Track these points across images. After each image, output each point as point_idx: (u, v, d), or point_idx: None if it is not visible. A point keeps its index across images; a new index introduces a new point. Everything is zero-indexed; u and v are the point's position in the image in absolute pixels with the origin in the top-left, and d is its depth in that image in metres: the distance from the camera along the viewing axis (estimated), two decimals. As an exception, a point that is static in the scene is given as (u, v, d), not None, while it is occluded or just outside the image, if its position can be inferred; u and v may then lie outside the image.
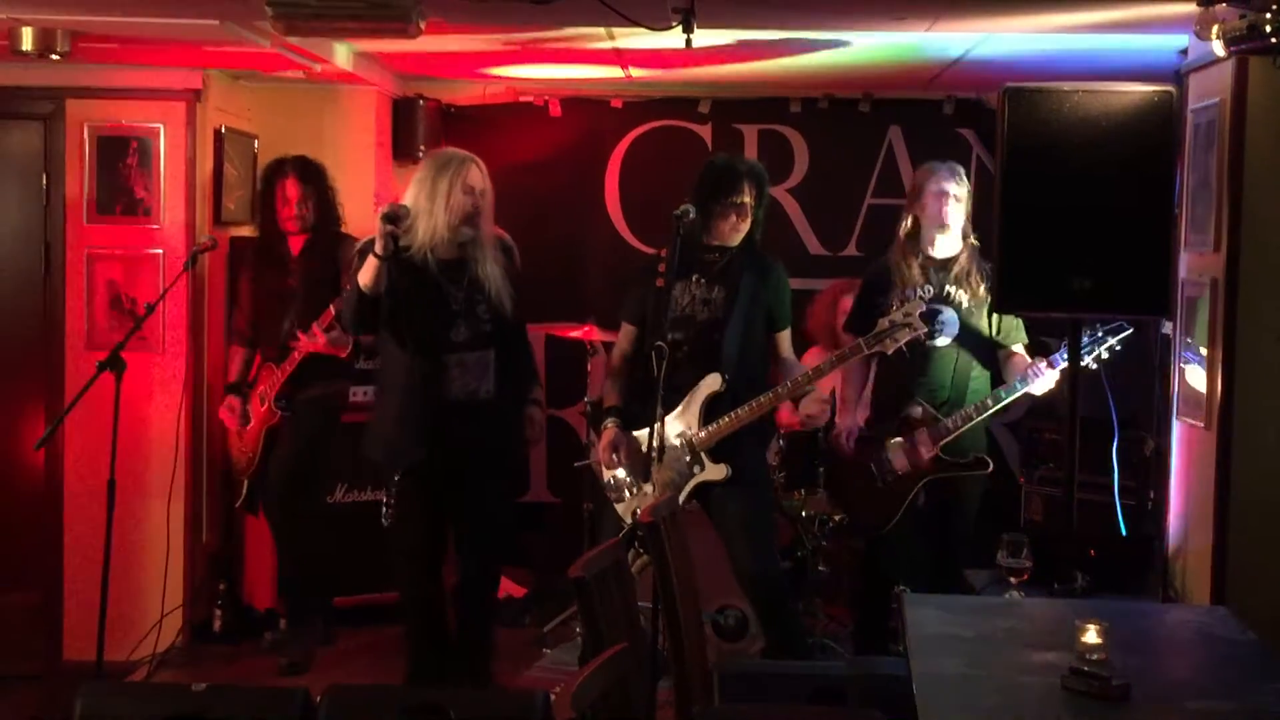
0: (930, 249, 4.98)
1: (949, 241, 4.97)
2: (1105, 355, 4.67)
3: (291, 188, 5.74)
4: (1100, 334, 4.66)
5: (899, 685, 3.26)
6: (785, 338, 4.91)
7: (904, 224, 5.08)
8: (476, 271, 4.79)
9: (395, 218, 4.57)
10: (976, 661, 3.10)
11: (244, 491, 5.91)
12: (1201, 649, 3.39)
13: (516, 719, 3.56)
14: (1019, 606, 3.77)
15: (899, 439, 5.00)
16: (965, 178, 5.05)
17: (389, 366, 4.87)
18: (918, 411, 4.94)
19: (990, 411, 4.86)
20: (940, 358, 4.94)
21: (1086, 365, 4.65)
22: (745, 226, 4.76)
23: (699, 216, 4.66)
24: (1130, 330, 4.65)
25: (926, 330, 4.74)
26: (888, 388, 5.12)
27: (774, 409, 4.97)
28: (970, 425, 4.87)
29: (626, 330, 4.98)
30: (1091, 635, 2.89)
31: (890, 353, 4.70)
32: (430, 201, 4.70)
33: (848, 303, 6.05)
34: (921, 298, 4.82)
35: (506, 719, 3.60)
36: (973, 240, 5.01)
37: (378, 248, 4.58)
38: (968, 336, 4.94)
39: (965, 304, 4.96)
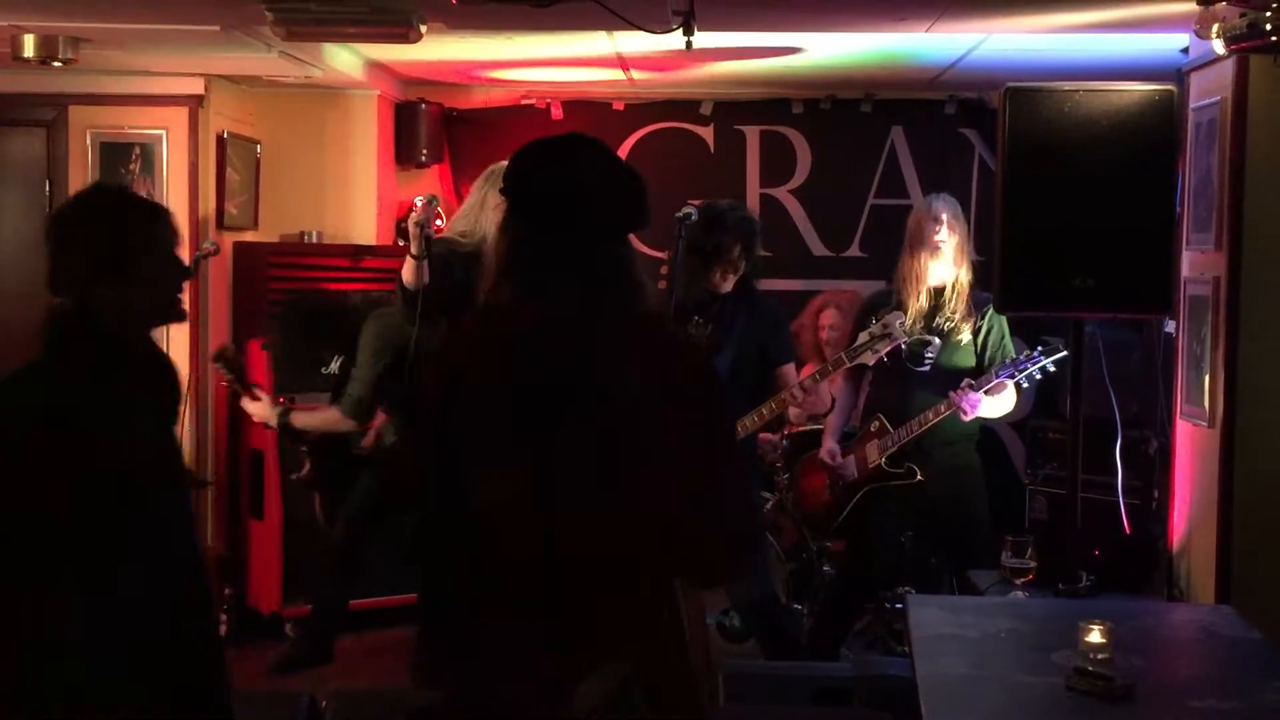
0: (928, 277, 4.98)
1: (942, 269, 4.96)
2: (1038, 376, 4.75)
3: None
4: (1038, 355, 4.73)
5: (903, 686, 3.26)
6: (788, 371, 4.92)
7: (904, 253, 5.08)
8: None
9: (423, 221, 4.73)
10: (981, 662, 3.10)
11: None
12: (1206, 648, 3.39)
13: None
14: (1023, 606, 3.77)
15: (852, 452, 5.09)
16: (960, 212, 5.05)
17: None
18: (874, 425, 5.01)
19: (927, 426, 4.88)
20: (925, 382, 4.96)
21: (1019, 382, 4.76)
22: (735, 275, 4.79)
23: (697, 262, 4.69)
24: (1064, 353, 4.69)
25: (906, 339, 4.79)
26: (874, 408, 5.15)
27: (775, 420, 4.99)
28: (913, 437, 4.91)
29: None
30: (1096, 635, 2.89)
31: (872, 364, 4.75)
32: (480, 211, 4.85)
33: (828, 317, 6.10)
34: (905, 330, 4.82)
35: None
36: (964, 275, 4.99)
37: (412, 248, 4.73)
38: (946, 364, 4.95)
39: (949, 332, 4.97)
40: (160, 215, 2.86)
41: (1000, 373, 4.77)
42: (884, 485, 5.00)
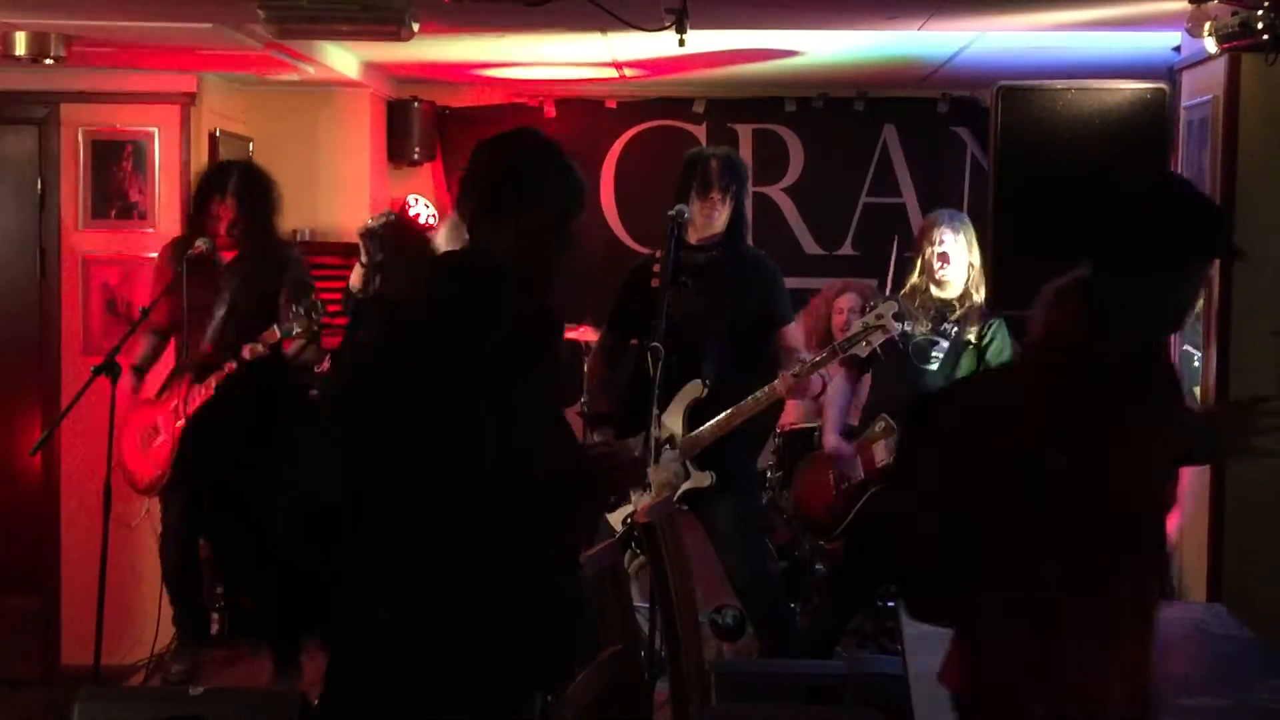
0: (934, 290, 4.99)
1: (951, 284, 4.96)
2: None
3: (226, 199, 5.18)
4: None
5: (895, 684, 3.26)
6: (790, 332, 4.84)
7: (914, 266, 5.08)
8: None
9: (372, 230, 4.96)
10: (973, 660, 3.09)
11: (143, 511, 5.42)
12: (1198, 646, 3.39)
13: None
14: (1016, 605, 3.77)
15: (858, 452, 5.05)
16: (967, 227, 5.00)
17: None
18: (880, 425, 4.98)
19: None
20: (927, 384, 4.95)
21: None
22: (723, 211, 4.67)
23: (683, 199, 4.65)
24: None
25: (899, 331, 4.76)
26: (879, 407, 5.13)
27: (769, 409, 4.95)
28: None
29: (604, 335, 4.99)
30: (1087, 633, 2.88)
31: (865, 355, 4.72)
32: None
33: (844, 302, 6.07)
34: (894, 305, 4.81)
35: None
36: (977, 293, 4.98)
37: (362, 256, 4.93)
38: (950, 369, 4.96)
39: (956, 336, 4.97)
40: (572, 184, 2.87)
41: None
42: (890, 486, 4.96)
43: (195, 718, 3.54)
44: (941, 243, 4.90)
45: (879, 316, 4.67)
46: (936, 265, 4.89)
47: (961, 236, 4.90)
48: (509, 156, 2.83)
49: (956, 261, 4.89)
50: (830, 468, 5.17)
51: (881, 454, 4.96)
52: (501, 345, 2.61)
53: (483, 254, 2.75)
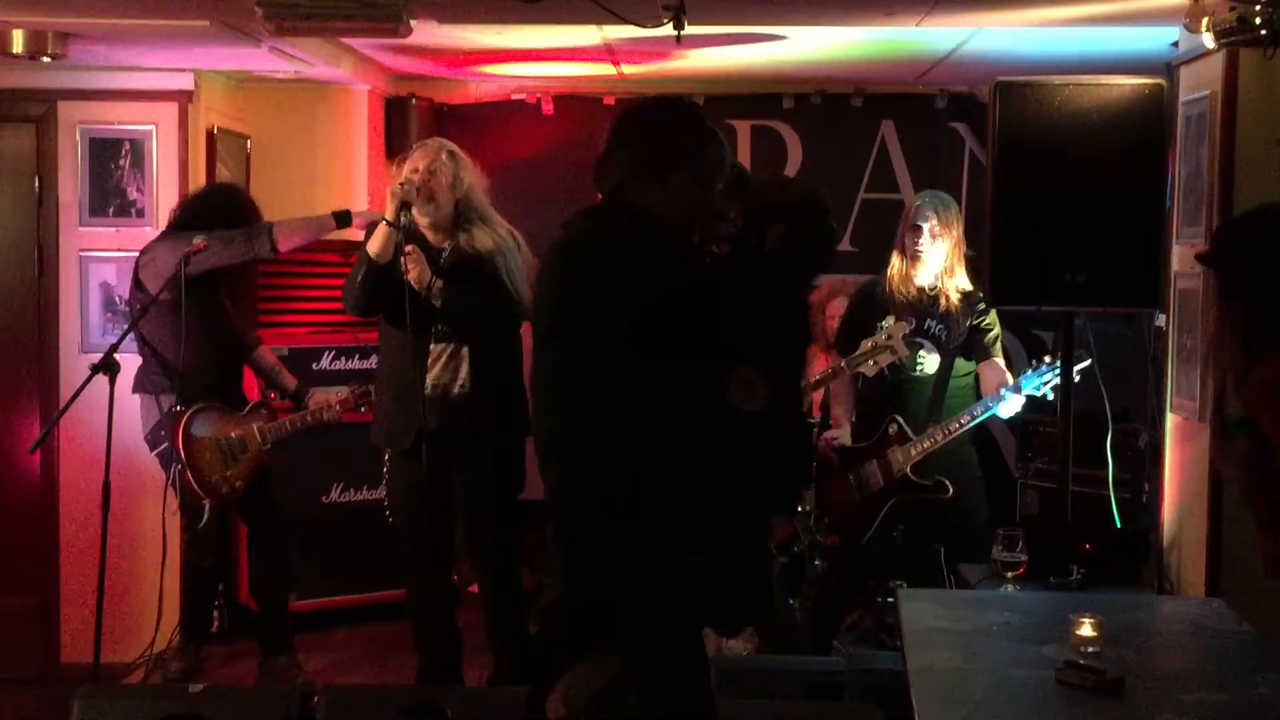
0: (916, 278, 4.98)
1: (928, 272, 4.95)
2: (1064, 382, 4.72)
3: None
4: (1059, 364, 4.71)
5: (894, 680, 3.27)
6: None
7: (893, 252, 5.07)
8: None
9: (402, 190, 4.65)
10: (972, 655, 3.10)
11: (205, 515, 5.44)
12: (1197, 641, 3.40)
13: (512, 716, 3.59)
14: (1014, 600, 3.78)
15: (874, 457, 5.03)
16: (948, 207, 5.00)
17: (383, 349, 4.89)
18: (893, 429, 4.96)
19: (958, 433, 4.86)
20: (917, 388, 4.95)
21: (1044, 395, 4.74)
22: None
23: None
24: (1088, 362, 4.67)
25: (907, 354, 4.77)
26: (870, 410, 5.13)
27: None
28: (939, 446, 4.87)
29: None
30: (1087, 628, 2.90)
31: (871, 375, 4.73)
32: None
33: (835, 307, 6.06)
34: (905, 327, 4.81)
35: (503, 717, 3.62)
36: (957, 280, 4.96)
37: (387, 214, 4.61)
38: (945, 369, 4.95)
39: (944, 338, 4.96)
40: (713, 140, 3.14)
41: (1024, 381, 4.76)
42: (909, 497, 4.94)
43: (194, 715, 3.56)
44: (910, 231, 4.92)
45: (889, 337, 4.68)
46: (908, 248, 4.92)
47: (930, 224, 4.91)
48: (658, 122, 3.11)
49: (923, 246, 4.90)
50: (848, 474, 5.13)
51: (899, 459, 4.93)
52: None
53: (635, 210, 3.01)
